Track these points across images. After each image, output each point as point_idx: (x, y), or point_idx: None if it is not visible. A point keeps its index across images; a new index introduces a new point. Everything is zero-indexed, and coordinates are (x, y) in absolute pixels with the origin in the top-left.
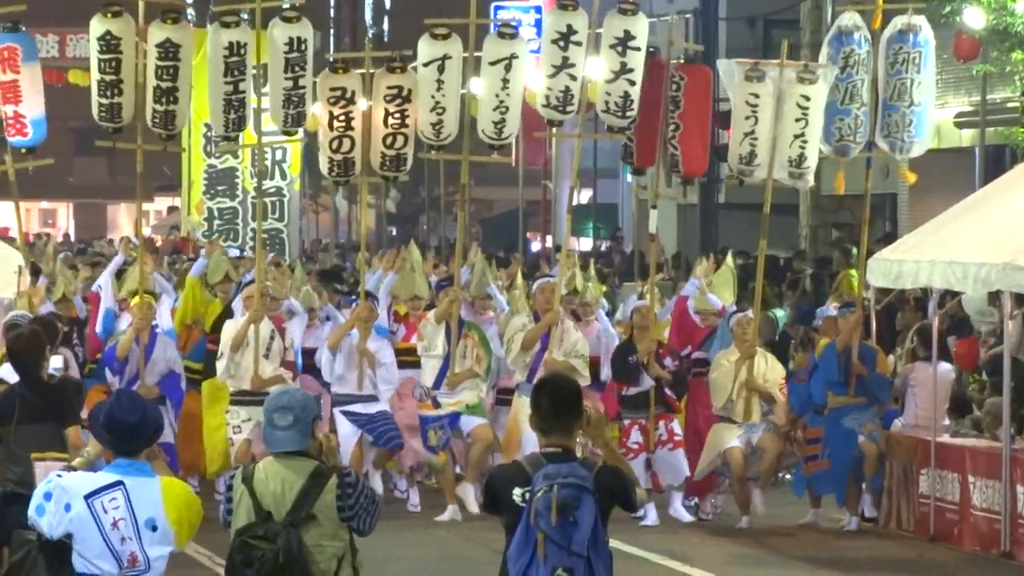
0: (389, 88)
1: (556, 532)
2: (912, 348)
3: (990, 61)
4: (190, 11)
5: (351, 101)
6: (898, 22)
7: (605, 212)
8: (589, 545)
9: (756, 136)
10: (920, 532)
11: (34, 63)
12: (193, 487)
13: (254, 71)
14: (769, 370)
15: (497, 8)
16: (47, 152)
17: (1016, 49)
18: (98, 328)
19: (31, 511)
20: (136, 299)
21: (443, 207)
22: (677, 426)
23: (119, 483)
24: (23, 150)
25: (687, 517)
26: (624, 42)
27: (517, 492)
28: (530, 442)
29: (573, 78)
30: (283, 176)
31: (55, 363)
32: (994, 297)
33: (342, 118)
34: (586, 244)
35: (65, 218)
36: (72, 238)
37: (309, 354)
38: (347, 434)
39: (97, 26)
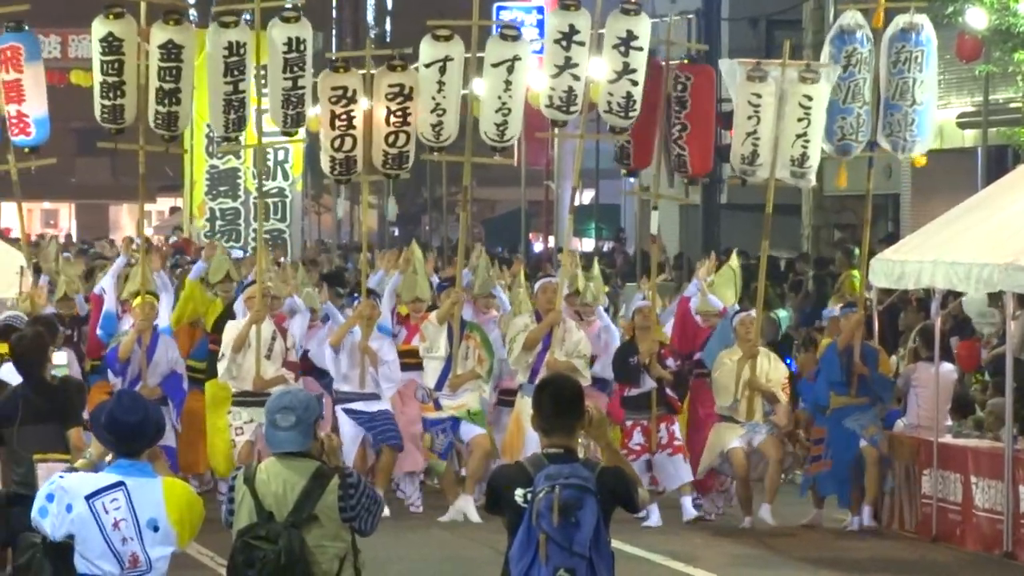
0: (390, 86)
1: (558, 533)
2: (914, 348)
3: (992, 61)
4: (192, 12)
5: (352, 100)
6: (900, 21)
7: (607, 212)
8: (591, 546)
9: (758, 136)
10: (922, 532)
11: (37, 63)
12: (195, 487)
13: (259, 71)
14: (772, 370)
15: (499, 8)
16: (49, 152)
17: (1019, 49)
18: (99, 331)
19: (34, 513)
20: (138, 299)
21: (445, 207)
22: (678, 429)
23: (120, 483)
24: (26, 150)
25: (692, 512)
26: (627, 42)
27: (519, 493)
28: (533, 443)
29: (576, 78)
30: (285, 177)
31: (59, 359)
32: (994, 298)
33: (343, 117)
34: (588, 245)
35: (67, 218)
36: (74, 238)
37: (305, 355)
38: (350, 436)
39: (99, 28)
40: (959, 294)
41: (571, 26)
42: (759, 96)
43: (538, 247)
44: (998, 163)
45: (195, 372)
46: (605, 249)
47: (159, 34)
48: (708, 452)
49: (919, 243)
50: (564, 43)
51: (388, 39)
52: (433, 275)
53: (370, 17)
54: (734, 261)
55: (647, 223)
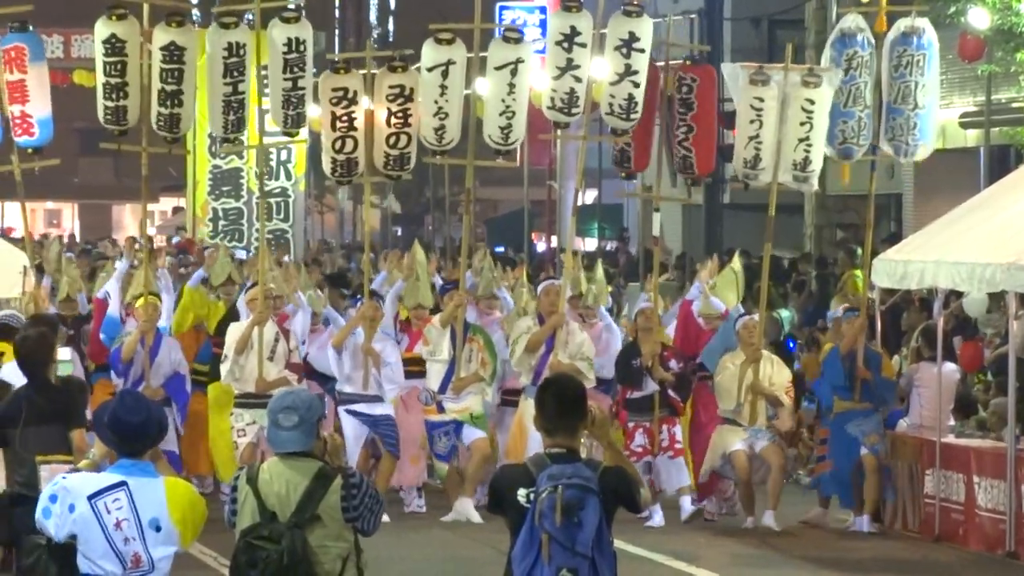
0: (391, 88)
1: (560, 533)
2: (917, 348)
3: (995, 61)
4: (195, 12)
5: (353, 101)
6: (901, 24)
7: (610, 212)
8: (593, 546)
9: (761, 140)
10: (925, 532)
11: (41, 63)
12: (197, 487)
13: (260, 72)
14: (775, 373)
15: (502, 8)
16: (52, 152)
17: (1021, 49)
18: (102, 336)
19: (38, 514)
20: (141, 300)
21: (448, 207)
22: (679, 431)
23: (122, 483)
24: (29, 150)
25: (690, 508)
26: (628, 44)
27: (521, 493)
28: (536, 445)
29: (578, 80)
30: (288, 177)
31: (63, 355)
32: (995, 298)
33: (344, 118)
34: (591, 244)
35: (70, 218)
36: (77, 239)
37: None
38: (353, 437)
39: (102, 29)
40: (961, 294)
41: (572, 27)
42: (761, 100)
43: (541, 247)
44: (1000, 163)
45: (198, 375)
46: (608, 249)
47: (161, 36)
48: (710, 454)
49: (922, 243)
50: (566, 45)
51: (391, 39)
52: (436, 276)
53: (373, 17)
54: (736, 263)
55: (650, 223)
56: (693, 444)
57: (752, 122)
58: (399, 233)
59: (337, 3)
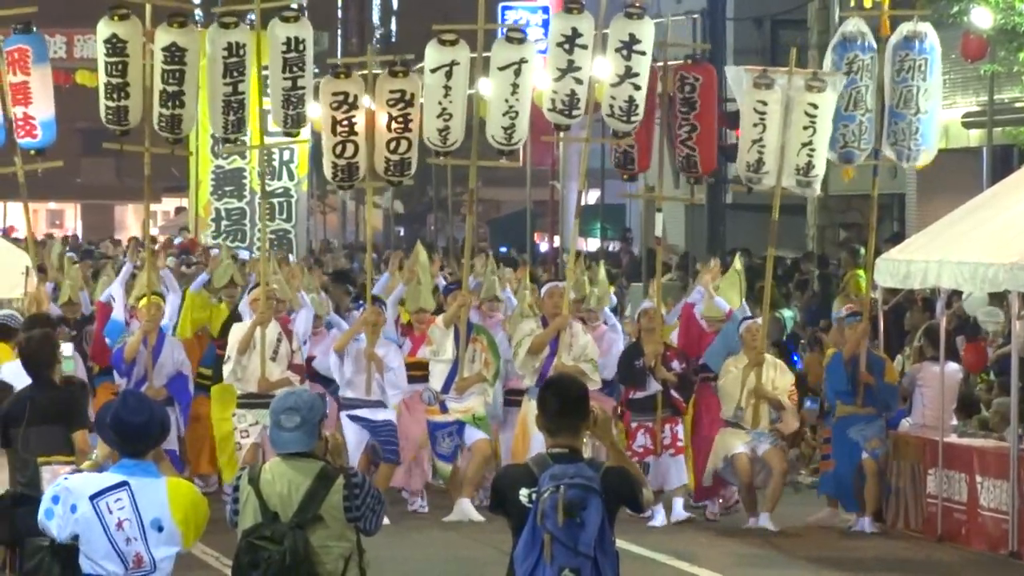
0: (391, 92)
1: (563, 533)
2: (920, 348)
3: (998, 61)
4: (198, 12)
5: (354, 106)
6: (904, 29)
7: (612, 212)
8: (596, 546)
9: (764, 143)
10: (928, 532)
11: (44, 65)
12: (201, 487)
13: (264, 72)
14: (778, 377)
15: (504, 8)
16: (55, 153)
17: None
18: (107, 341)
19: (40, 515)
20: (144, 300)
21: (450, 208)
22: (681, 431)
23: (124, 484)
24: (32, 152)
25: (684, 514)
26: (629, 46)
27: (524, 493)
28: (538, 446)
29: (579, 81)
30: (291, 177)
31: (65, 350)
32: (994, 297)
33: (345, 123)
34: (594, 245)
35: (73, 219)
36: (80, 239)
37: (309, 362)
38: (355, 442)
39: (104, 29)
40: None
41: (574, 29)
42: (765, 104)
43: (544, 247)
44: (1003, 163)
45: (202, 378)
46: (610, 249)
47: (163, 36)
48: (713, 456)
49: (924, 243)
50: (567, 46)
51: (393, 40)
52: (439, 278)
53: (375, 17)
54: (738, 264)
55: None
56: (694, 445)
57: (755, 125)
58: (401, 233)
59: (339, 3)
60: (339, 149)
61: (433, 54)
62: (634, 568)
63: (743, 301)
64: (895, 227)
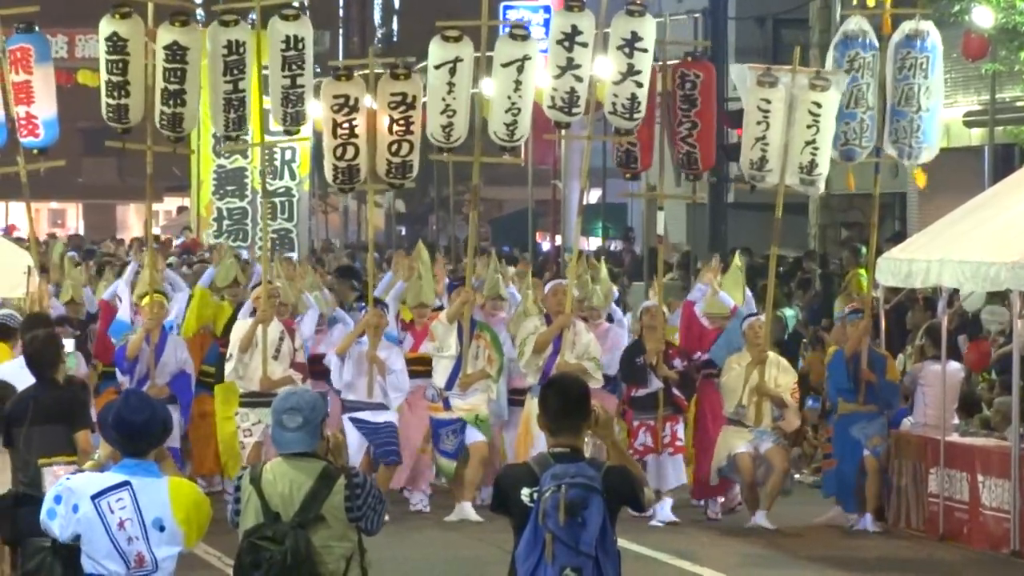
0: (393, 95)
1: (564, 532)
2: (921, 347)
3: (999, 60)
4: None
5: (354, 108)
6: (905, 27)
7: (614, 211)
8: (597, 545)
9: (767, 141)
10: (929, 531)
11: (47, 64)
12: (204, 487)
13: (264, 70)
14: (781, 374)
15: (506, 7)
16: (56, 152)
17: None
18: (113, 340)
19: (42, 515)
20: (146, 299)
21: (452, 207)
22: (681, 430)
23: (126, 483)
24: (35, 151)
25: (670, 516)
26: (631, 43)
27: (525, 492)
28: (541, 445)
29: (579, 79)
30: (292, 176)
31: (66, 347)
32: (993, 296)
33: (345, 125)
34: (595, 244)
35: (75, 218)
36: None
37: (317, 360)
38: (356, 445)
39: (105, 27)
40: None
41: (574, 27)
42: (768, 101)
43: (545, 246)
44: (1005, 162)
45: (206, 377)
46: (612, 248)
47: (165, 35)
48: (716, 456)
49: (926, 242)
50: (567, 44)
51: (395, 39)
52: (444, 279)
53: (377, 17)
54: (738, 260)
55: (654, 222)
56: (698, 443)
57: (759, 123)
58: (403, 232)
59: (341, 2)
60: (340, 151)
61: (436, 50)
62: (636, 567)
63: (747, 297)
64: (896, 226)
